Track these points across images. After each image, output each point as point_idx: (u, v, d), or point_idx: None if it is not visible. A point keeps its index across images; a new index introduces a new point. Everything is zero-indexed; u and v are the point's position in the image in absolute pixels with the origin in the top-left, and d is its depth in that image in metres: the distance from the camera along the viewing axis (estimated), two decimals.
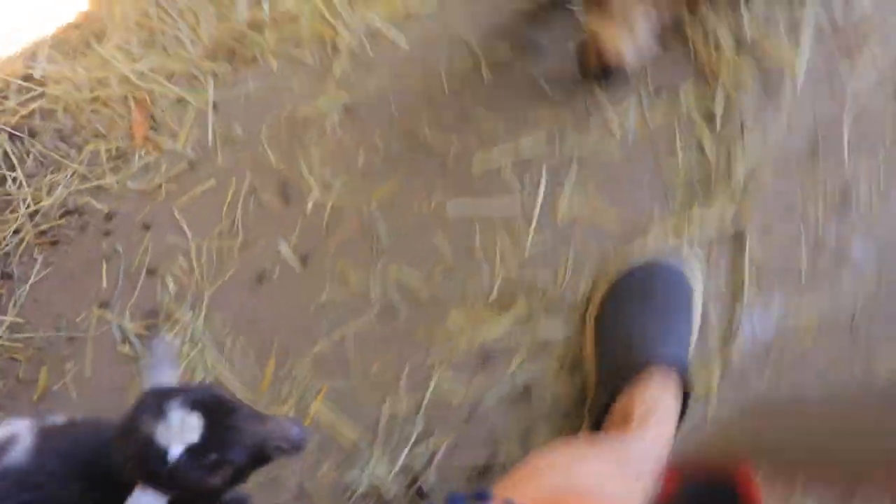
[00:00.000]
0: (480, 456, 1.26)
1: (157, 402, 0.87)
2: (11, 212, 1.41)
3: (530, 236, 1.37)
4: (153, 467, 0.85)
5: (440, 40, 1.42)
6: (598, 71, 1.35)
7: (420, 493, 1.26)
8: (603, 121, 1.37)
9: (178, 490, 0.89)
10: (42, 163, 1.41)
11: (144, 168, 1.42)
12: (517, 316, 1.35)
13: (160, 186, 1.41)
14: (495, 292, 1.37)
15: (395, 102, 1.40)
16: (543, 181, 1.38)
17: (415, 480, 1.27)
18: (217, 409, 0.88)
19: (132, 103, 1.41)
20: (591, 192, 1.38)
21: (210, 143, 1.40)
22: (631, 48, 1.30)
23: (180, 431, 0.85)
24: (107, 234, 1.41)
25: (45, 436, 1.02)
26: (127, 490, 0.90)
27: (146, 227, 1.41)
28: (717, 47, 1.36)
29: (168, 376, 0.99)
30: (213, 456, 0.86)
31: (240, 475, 0.93)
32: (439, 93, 1.40)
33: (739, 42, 1.35)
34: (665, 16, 1.28)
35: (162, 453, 0.84)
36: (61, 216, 1.41)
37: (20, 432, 1.01)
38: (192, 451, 0.85)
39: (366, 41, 1.42)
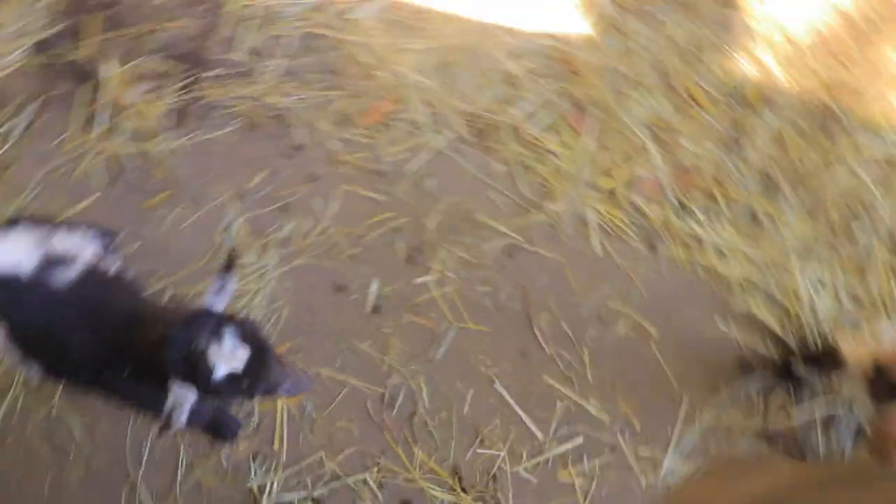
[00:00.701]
0: None
1: (216, 324, 1.02)
2: (249, 84, 1.60)
3: (523, 465, 1.42)
4: (197, 377, 1.01)
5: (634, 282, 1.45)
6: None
7: None
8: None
9: (207, 394, 1.06)
10: (293, 73, 1.59)
11: (350, 141, 1.56)
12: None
13: (345, 163, 1.55)
14: (463, 471, 1.43)
15: (546, 281, 1.46)
16: (574, 443, 1.41)
17: None
18: (259, 346, 1.04)
19: (386, 94, 1.55)
20: None
21: (412, 172, 1.51)
22: None
23: (229, 357, 1.01)
24: (286, 156, 1.58)
25: (93, 278, 1.15)
26: (126, 366, 1.07)
27: (311, 179, 1.56)
28: None
29: (221, 305, 1.19)
30: (246, 383, 1.03)
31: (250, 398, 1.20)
32: (585, 312, 1.45)
33: None
34: None
35: (209, 369, 1.00)
36: (271, 117, 1.58)
37: (82, 257, 1.15)
38: (231, 376, 1.01)
39: (573, 223, 1.48)
